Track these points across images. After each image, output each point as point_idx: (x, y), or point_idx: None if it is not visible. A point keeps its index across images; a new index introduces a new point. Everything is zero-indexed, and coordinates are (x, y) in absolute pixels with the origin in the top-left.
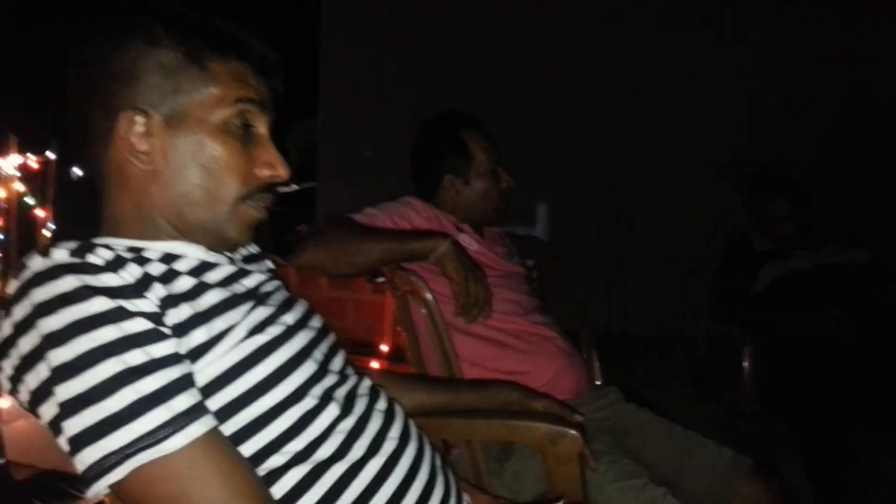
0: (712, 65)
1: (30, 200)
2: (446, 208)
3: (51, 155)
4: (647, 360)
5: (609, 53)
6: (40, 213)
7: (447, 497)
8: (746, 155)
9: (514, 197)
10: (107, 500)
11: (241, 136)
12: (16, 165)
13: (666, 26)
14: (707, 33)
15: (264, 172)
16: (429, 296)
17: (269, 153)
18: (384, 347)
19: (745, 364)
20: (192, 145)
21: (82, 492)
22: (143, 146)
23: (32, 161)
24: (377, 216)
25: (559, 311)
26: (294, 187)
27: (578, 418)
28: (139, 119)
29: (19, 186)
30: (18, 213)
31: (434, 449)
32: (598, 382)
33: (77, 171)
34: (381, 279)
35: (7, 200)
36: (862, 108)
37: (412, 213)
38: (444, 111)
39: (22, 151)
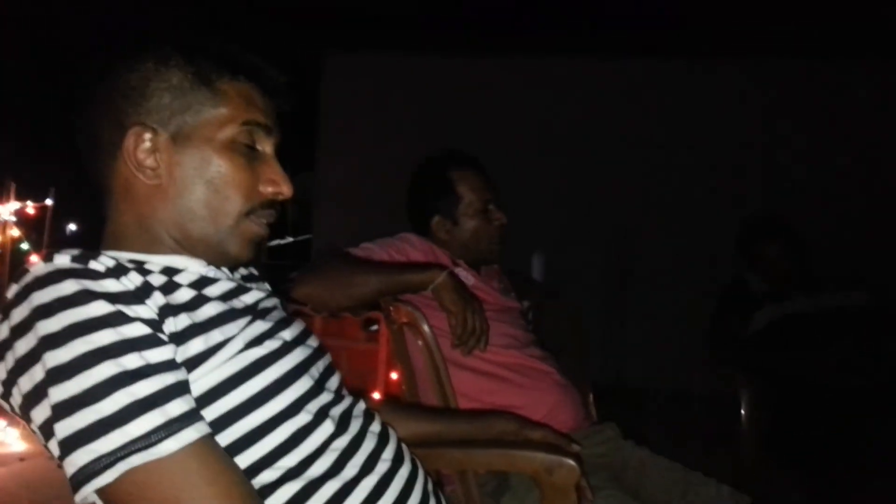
0: (713, 123)
1: (24, 246)
2: (440, 245)
3: (49, 202)
4: (645, 412)
5: (612, 110)
6: (35, 259)
7: None
8: (746, 206)
9: (514, 251)
10: None
11: (247, 153)
12: (12, 211)
13: (669, 85)
14: (708, 92)
15: (268, 189)
16: (426, 328)
17: (273, 170)
18: (377, 396)
19: (743, 411)
20: (198, 161)
21: None
22: (149, 161)
23: (30, 207)
24: (373, 250)
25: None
26: (290, 239)
27: (576, 448)
28: (147, 135)
29: (15, 232)
30: (12, 258)
31: (427, 474)
32: (595, 419)
33: (72, 227)
34: (375, 327)
35: (2, 245)
36: (861, 159)
37: (408, 248)
38: (440, 151)
39: (20, 198)
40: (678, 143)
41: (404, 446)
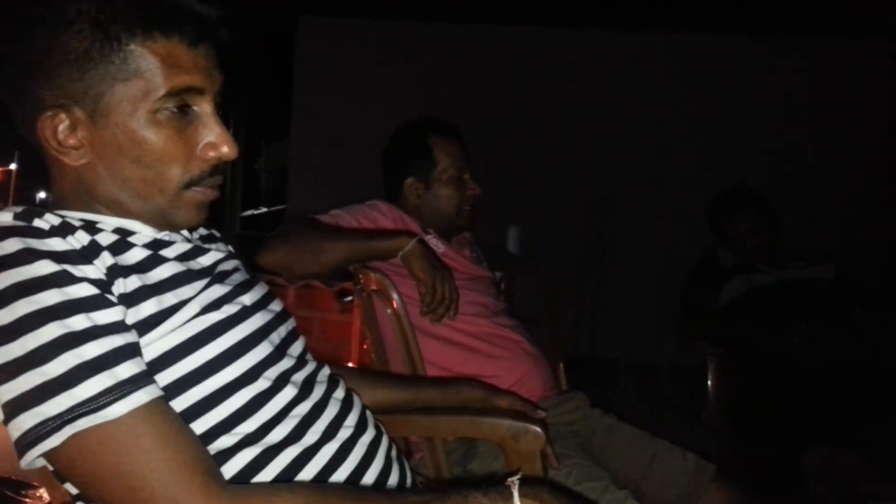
0: (687, 94)
1: None
2: (410, 213)
3: (13, 167)
4: (615, 383)
5: (592, 83)
6: None
7: (401, 488)
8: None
9: (489, 222)
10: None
11: (177, 120)
12: None
13: (643, 56)
14: (683, 64)
15: (209, 154)
16: (395, 295)
17: (213, 132)
18: (350, 366)
19: (710, 382)
20: (122, 140)
21: (26, 496)
22: (71, 141)
23: None
24: (342, 216)
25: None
26: (263, 209)
27: (541, 414)
28: (62, 116)
29: None
30: None
31: (392, 441)
32: (565, 388)
33: (41, 195)
34: (349, 298)
35: None
36: (833, 134)
37: (377, 215)
38: (422, 117)
39: None
40: (652, 114)
41: (368, 413)
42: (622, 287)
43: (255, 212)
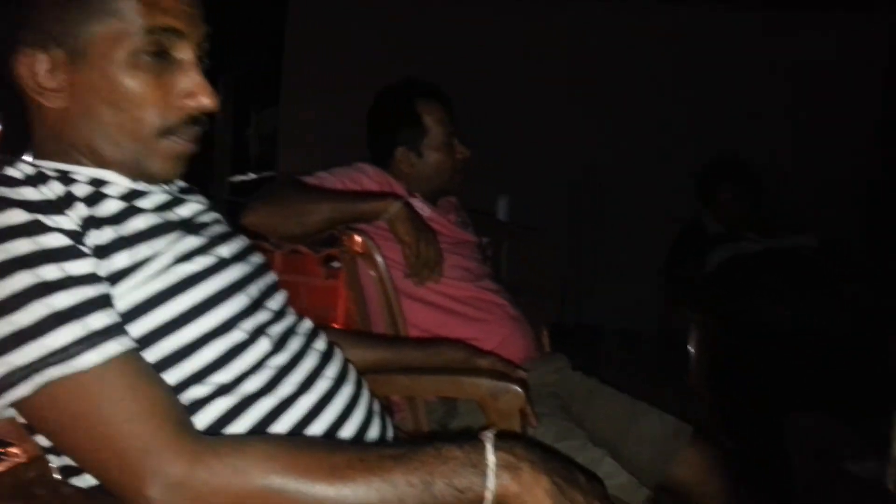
0: (677, 63)
1: None
2: (399, 178)
3: None
4: (600, 349)
5: (584, 51)
6: None
7: (382, 441)
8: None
9: (478, 190)
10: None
11: (155, 66)
12: None
13: (634, 24)
14: (675, 33)
15: (186, 103)
16: (379, 258)
17: (191, 80)
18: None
19: (692, 348)
20: (98, 82)
21: None
22: (50, 83)
23: None
24: (327, 178)
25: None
26: (253, 176)
27: (522, 374)
28: (41, 56)
29: None
30: None
31: (374, 396)
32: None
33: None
34: (335, 264)
35: None
36: (818, 105)
37: (363, 178)
38: (401, 80)
39: None
40: (644, 84)
41: (351, 367)
42: (612, 255)
43: (245, 178)
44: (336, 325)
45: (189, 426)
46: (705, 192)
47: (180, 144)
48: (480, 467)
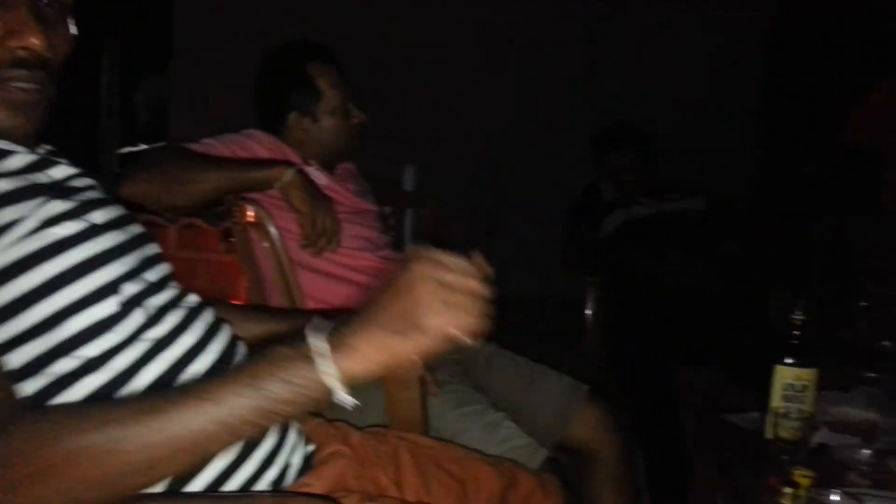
0: (574, 33)
1: None
2: (293, 146)
3: None
4: (508, 317)
5: (490, 15)
6: None
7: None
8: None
9: (386, 159)
10: None
11: None
12: None
13: None
14: (582, 5)
15: (8, 44)
16: (272, 228)
17: (12, 17)
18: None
19: (589, 311)
20: None
21: None
22: None
23: None
24: (214, 145)
25: None
26: (142, 147)
27: None
28: None
29: None
30: None
31: None
32: None
33: None
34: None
35: None
36: (705, 70)
37: (254, 145)
38: (289, 41)
39: None
40: (546, 51)
41: (240, 343)
42: (517, 223)
43: (134, 149)
44: (238, 300)
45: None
46: (600, 159)
47: (13, 91)
48: (311, 355)
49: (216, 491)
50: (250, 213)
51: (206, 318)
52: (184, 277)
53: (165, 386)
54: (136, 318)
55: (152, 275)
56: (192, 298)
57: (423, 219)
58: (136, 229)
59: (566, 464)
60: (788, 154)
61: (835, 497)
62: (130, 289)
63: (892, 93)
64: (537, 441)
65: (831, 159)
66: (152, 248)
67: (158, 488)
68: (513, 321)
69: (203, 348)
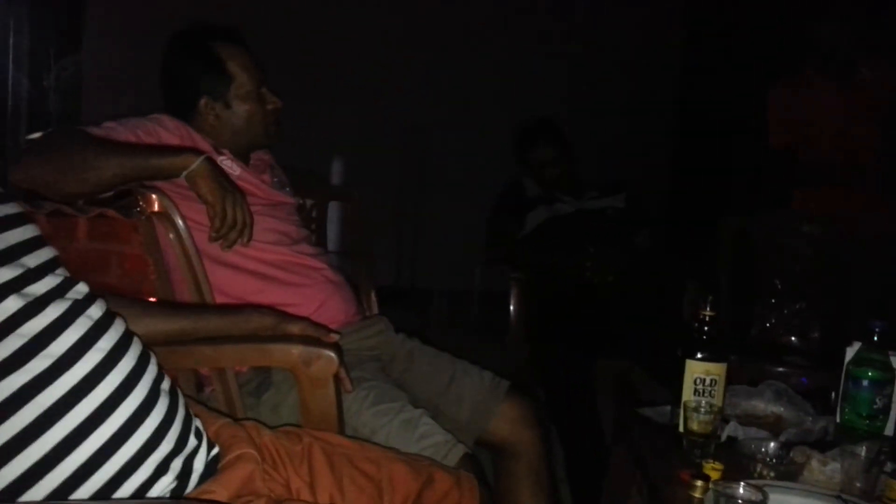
0: (500, 21)
1: None
2: (205, 133)
3: None
4: (434, 312)
5: (412, 6)
6: None
7: (167, 423)
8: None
9: (312, 153)
10: None
11: None
12: None
13: None
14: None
15: None
16: (178, 219)
17: None
18: (152, 301)
19: (512, 307)
20: None
21: None
22: None
23: None
24: (116, 129)
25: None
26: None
27: (334, 338)
28: None
29: None
30: None
31: (163, 372)
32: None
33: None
34: None
35: None
36: (625, 68)
37: (161, 130)
38: (196, 23)
39: None
40: (466, 44)
41: (136, 338)
42: (441, 216)
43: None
44: (153, 295)
45: None
46: (522, 155)
47: None
48: None
49: (107, 498)
50: (154, 203)
51: (95, 311)
52: (94, 271)
53: (46, 386)
54: (9, 305)
55: (31, 260)
56: (81, 289)
57: (347, 212)
58: (10, 209)
59: (485, 459)
60: (704, 150)
61: (740, 489)
62: (2, 275)
63: (793, 94)
64: (457, 437)
65: (748, 156)
66: (32, 231)
67: (40, 496)
68: (438, 314)
69: (90, 345)
